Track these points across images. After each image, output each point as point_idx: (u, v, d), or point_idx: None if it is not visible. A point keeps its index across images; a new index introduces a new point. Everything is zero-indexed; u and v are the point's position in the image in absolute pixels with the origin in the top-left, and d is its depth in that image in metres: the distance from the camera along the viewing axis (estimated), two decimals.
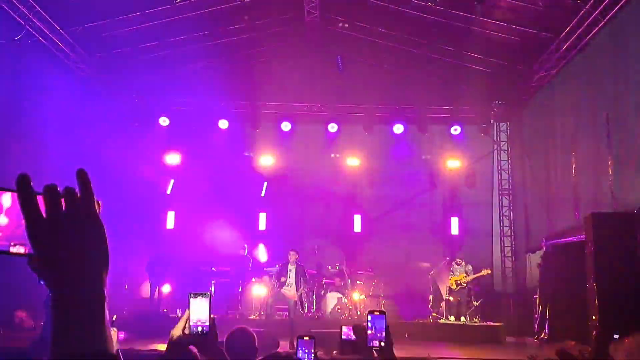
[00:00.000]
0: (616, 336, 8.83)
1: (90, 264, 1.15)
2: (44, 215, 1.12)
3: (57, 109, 15.07)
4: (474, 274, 16.31)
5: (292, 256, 14.59)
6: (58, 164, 13.73)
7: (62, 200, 1.14)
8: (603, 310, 11.23)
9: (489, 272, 16.68)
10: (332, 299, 16.45)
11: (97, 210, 1.19)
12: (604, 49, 13.83)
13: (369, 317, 3.11)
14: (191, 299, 2.50)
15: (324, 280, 16.81)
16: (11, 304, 13.30)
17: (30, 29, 13.97)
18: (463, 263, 16.49)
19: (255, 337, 4.21)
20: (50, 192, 1.13)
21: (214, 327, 2.52)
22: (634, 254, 11.17)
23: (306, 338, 3.21)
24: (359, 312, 15.71)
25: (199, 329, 2.47)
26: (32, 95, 14.34)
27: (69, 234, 1.13)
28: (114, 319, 4.67)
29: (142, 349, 10.14)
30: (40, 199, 1.13)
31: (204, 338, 2.48)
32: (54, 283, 1.12)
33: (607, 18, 13.30)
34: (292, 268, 14.48)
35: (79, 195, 1.16)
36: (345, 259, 17.77)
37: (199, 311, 2.49)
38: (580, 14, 13.83)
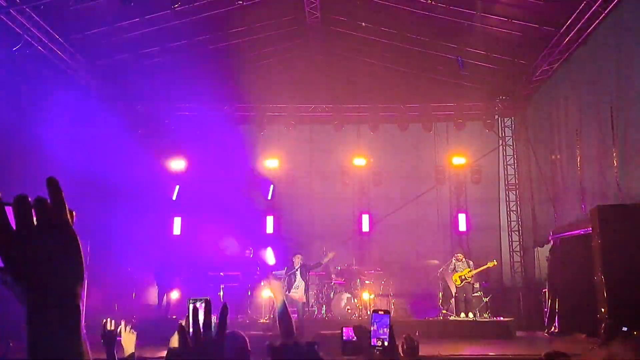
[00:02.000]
0: (625, 328, 8.83)
1: (64, 277, 1.11)
2: (14, 227, 1.08)
3: (59, 118, 15.08)
4: (477, 267, 16.28)
5: (298, 259, 14.62)
6: (62, 173, 13.76)
7: (34, 211, 1.10)
8: (612, 303, 11.21)
9: (495, 263, 16.63)
10: (341, 300, 16.42)
11: (70, 221, 1.14)
12: (606, 41, 13.79)
13: (374, 317, 3.11)
14: (190, 305, 2.50)
15: (333, 281, 16.79)
16: (22, 316, 13.31)
17: (28, 39, 13.96)
18: (464, 259, 16.46)
19: (247, 340, 4.19)
20: (20, 203, 1.09)
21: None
22: None
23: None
24: (369, 312, 15.69)
25: None
26: (33, 105, 14.35)
27: (40, 247, 1.09)
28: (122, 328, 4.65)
29: (151, 357, 10.14)
30: (10, 210, 1.09)
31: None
32: (26, 298, 1.08)
33: (607, 10, 13.26)
34: (297, 271, 14.52)
35: (50, 205, 1.11)
36: (354, 258, 17.75)
37: (199, 317, 2.48)
38: (581, 6, 13.79)
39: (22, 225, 1.09)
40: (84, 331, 1.11)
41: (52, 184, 1.12)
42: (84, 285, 1.13)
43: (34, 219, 1.10)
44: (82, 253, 1.13)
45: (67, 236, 1.12)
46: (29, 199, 1.10)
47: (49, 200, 1.12)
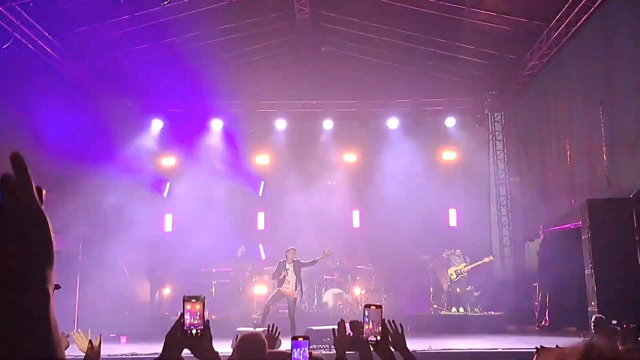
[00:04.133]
0: (614, 322, 8.89)
1: (32, 258, 1.04)
2: None
3: (49, 115, 15.04)
4: (473, 262, 16.38)
5: (290, 254, 14.60)
6: (53, 170, 13.74)
7: None
8: (601, 296, 11.28)
9: (492, 259, 16.73)
10: (333, 295, 16.47)
11: (39, 199, 1.07)
12: (594, 35, 13.85)
13: (366, 312, 3.14)
14: (185, 302, 2.52)
15: (324, 277, 16.82)
16: None
17: (18, 37, 13.88)
18: (461, 254, 16.54)
19: (266, 343, 4.23)
20: None
21: (208, 330, 2.54)
22: (630, 239, 11.22)
23: (300, 338, 3.24)
24: (360, 307, 15.72)
25: (194, 331, 2.49)
26: (23, 103, 14.30)
27: (6, 227, 1.02)
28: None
29: (144, 353, 10.17)
30: None
31: (199, 340, 2.50)
32: None
33: (596, 4, 13.31)
34: (289, 266, 14.49)
35: (15, 183, 1.04)
36: (345, 254, 17.78)
37: (193, 314, 2.51)
38: (570, 1, 13.84)
39: None
40: (55, 316, 1.05)
41: (17, 160, 1.04)
42: (53, 269, 1.06)
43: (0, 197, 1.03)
44: (51, 234, 1.07)
45: (35, 215, 1.06)
46: None
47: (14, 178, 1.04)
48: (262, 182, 19.47)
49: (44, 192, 1.09)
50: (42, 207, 1.07)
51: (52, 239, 1.07)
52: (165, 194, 19.06)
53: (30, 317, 1.02)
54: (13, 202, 1.03)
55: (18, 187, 1.04)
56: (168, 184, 19.09)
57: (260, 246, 17.47)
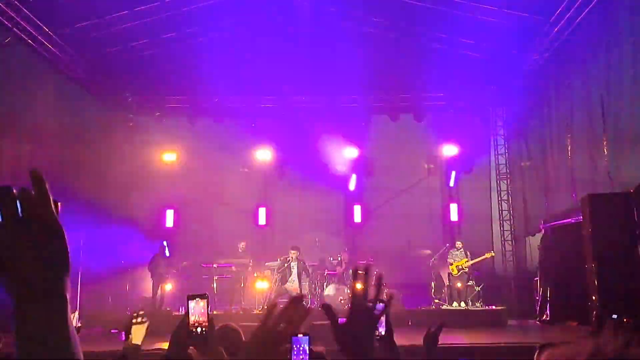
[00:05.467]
0: (615, 316, 8.91)
1: (50, 268, 1.11)
2: None
3: (49, 111, 15.04)
4: (475, 257, 16.38)
5: (294, 254, 14.71)
6: (53, 166, 13.74)
7: (18, 202, 1.10)
8: (602, 291, 11.28)
9: (493, 254, 16.73)
10: (334, 290, 16.48)
11: (55, 212, 1.14)
12: (595, 30, 13.82)
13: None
14: (189, 301, 2.54)
15: (326, 272, 16.83)
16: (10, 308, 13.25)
17: (18, 32, 13.86)
18: (462, 249, 16.54)
19: (241, 332, 4.22)
20: (4, 195, 1.09)
21: (213, 328, 2.56)
22: (631, 234, 11.22)
23: (300, 335, 3.24)
24: None
25: (198, 329, 2.50)
26: (23, 99, 14.29)
27: (25, 238, 1.09)
28: None
29: (146, 349, 10.16)
30: None
31: (203, 339, 2.52)
32: (12, 290, 1.08)
33: None
34: (294, 265, 14.59)
35: (34, 196, 1.11)
36: (347, 249, 17.80)
37: (198, 313, 2.52)
38: None
39: (7, 217, 1.09)
40: (72, 321, 1.12)
41: (36, 176, 1.12)
42: (69, 277, 1.14)
43: (19, 210, 1.10)
44: (67, 244, 1.14)
45: (52, 227, 1.13)
46: (14, 190, 1.10)
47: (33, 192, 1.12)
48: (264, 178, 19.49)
49: (59, 205, 1.16)
50: (58, 219, 1.15)
51: (68, 249, 1.14)
52: (166, 190, 19.02)
53: (49, 324, 1.08)
54: (32, 215, 1.11)
55: (37, 201, 1.12)
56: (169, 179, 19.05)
57: None
